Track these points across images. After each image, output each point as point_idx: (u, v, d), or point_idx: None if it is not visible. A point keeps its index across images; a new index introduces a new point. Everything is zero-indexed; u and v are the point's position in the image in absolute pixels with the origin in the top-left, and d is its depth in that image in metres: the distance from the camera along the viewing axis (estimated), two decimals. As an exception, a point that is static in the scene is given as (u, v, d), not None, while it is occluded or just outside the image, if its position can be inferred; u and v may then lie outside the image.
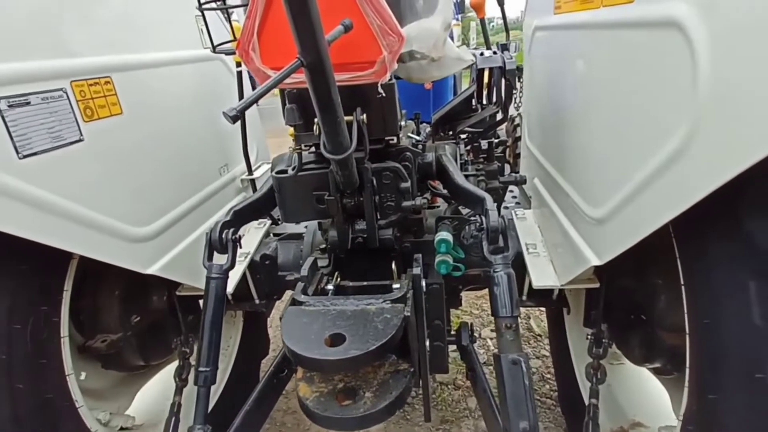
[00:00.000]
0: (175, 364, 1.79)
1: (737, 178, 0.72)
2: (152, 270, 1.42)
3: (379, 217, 1.40)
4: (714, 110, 0.74)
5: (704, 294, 0.97)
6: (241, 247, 1.37)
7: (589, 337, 1.62)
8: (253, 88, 1.92)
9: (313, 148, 1.39)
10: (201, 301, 1.35)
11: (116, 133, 1.33)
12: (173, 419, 1.65)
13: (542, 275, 1.53)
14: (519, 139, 2.40)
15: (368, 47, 1.06)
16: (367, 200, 1.34)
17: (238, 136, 1.89)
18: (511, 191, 2.36)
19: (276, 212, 1.50)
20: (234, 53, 1.52)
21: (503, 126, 3.27)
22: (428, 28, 1.33)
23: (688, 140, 0.80)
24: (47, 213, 1.10)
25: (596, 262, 1.18)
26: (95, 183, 1.25)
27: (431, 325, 1.43)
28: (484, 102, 2.64)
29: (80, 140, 1.21)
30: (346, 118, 1.09)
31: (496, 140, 2.57)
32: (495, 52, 2.51)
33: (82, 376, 1.48)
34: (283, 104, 1.25)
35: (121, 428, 1.63)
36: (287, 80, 0.90)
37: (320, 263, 1.46)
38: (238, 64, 1.82)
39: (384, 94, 1.15)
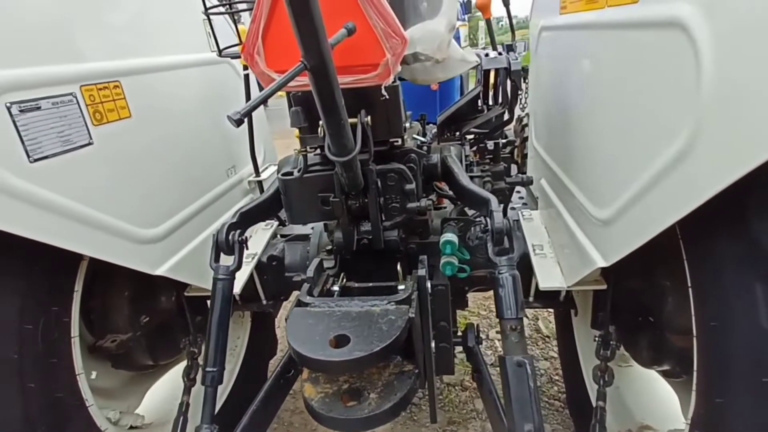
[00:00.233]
0: (184, 364, 1.80)
1: (744, 179, 0.71)
2: (160, 271, 1.44)
3: (384, 218, 1.40)
4: (718, 110, 0.73)
5: (711, 296, 0.96)
6: (247, 249, 1.38)
7: (596, 339, 1.61)
8: (261, 90, 1.94)
9: (318, 150, 1.40)
10: (209, 302, 1.36)
11: (125, 137, 1.35)
12: (181, 419, 1.66)
13: (549, 276, 1.52)
14: (527, 139, 2.39)
15: (371, 50, 1.06)
16: (372, 202, 1.35)
17: (246, 138, 1.91)
18: (518, 192, 2.35)
19: (283, 213, 1.50)
20: (240, 57, 1.53)
21: (511, 126, 3.26)
22: (432, 30, 1.33)
23: (692, 140, 0.79)
24: (58, 215, 1.12)
25: (602, 263, 1.18)
26: (104, 185, 1.27)
27: (437, 326, 1.43)
28: (490, 103, 2.63)
29: (90, 144, 1.23)
30: (351, 120, 1.09)
31: (504, 140, 2.56)
32: (500, 53, 2.51)
33: (93, 375, 1.50)
34: (290, 106, 1.26)
35: (131, 427, 1.65)
36: (291, 83, 0.91)
37: (326, 264, 1.47)
38: (245, 67, 1.84)
39: (388, 97, 1.15)
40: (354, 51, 1.05)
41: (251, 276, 1.74)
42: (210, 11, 1.42)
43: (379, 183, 1.33)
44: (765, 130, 0.67)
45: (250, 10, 1.21)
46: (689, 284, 1.03)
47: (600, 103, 1.20)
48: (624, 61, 1.04)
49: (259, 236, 1.89)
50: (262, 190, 2.07)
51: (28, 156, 1.06)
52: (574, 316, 1.90)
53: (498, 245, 1.17)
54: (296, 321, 1.16)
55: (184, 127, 1.64)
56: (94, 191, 1.23)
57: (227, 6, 1.44)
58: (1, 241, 1.04)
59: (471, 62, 1.59)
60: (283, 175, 1.38)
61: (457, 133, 2.54)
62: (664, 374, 1.56)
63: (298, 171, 1.35)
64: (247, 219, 1.44)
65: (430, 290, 1.26)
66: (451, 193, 1.58)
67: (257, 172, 2.07)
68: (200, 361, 1.77)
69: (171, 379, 1.93)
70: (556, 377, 2.56)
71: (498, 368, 1.13)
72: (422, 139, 1.54)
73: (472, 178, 1.72)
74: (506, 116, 2.45)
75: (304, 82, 0.93)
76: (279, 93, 0.99)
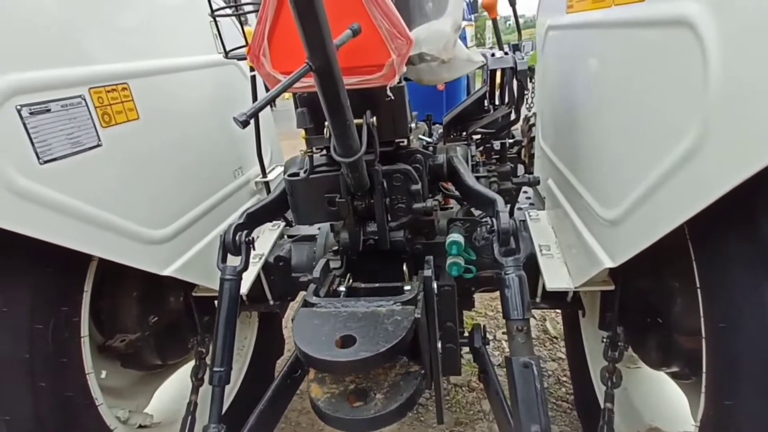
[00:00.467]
0: (192, 363, 1.82)
1: (754, 178, 0.70)
2: (169, 271, 1.45)
3: (390, 219, 1.40)
4: (726, 109, 0.72)
5: (720, 297, 0.95)
6: (254, 249, 1.39)
7: (604, 340, 1.59)
8: (267, 92, 1.94)
9: (324, 151, 1.40)
10: (216, 302, 1.37)
11: (133, 138, 1.36)
12: (189, 418, 1.68)
13: (556, 277, 1.51)
14: (534, 139, 2.38)
15: (377, 51, 1.06)
16: (377, 202, 1.35)
17: (252, 139, 1.92)
18: (525, 192, 2.34)
19: (289, 214, 1.51)
20: (246, 58, 1.54)
21: (518, 126, 3.25)
22: (438, 30, 1.33)
23: (701, 139, 0.78)
24: (67, 216, 1.13)
25: (609, 264, 1.17)
26: (113, 187, 1.29)
27: (443, 327, 1.43)
28: (496, 103, 2.62)
29: (98, 145, 1.24)
30: (356, 120, 1.09)
31: (511, 140, 2.55)
32: (506, 53, 2.50)
33: (102, 374, 1.52)
34: (296, 107, 1.27)
35: (140, 426, 1.66)
36: (297, 84, 0.91)
37: (332, 265, 1.47)
38: (252, 69, 1.85)
39: (393, 97, 1.15)
40: (359, 52, 1.05)
41: (258, 276, 1.74)
42: (216, 13, 1.43)
43: (384, 183, 1.33)
44: (773, 129, 0.66)
45: (256, 11, 1.22)
46: (698, 285, 1.02)
47: (607, 103, 1.19)
48: (631, 60, 1.03)
49: (265, 237, 1.90)
50: (268, 191, 2.08)
51: (38, 158, 1.08)
52: (582, 317, 1.89)
53: (504, 246, 1.17)
54: (303, 321, 1.17)
55: (192, 129, 1.66)
56: (103, 192, 1.24)
57: (233, 8, 1.45)
58: (12, 243, 1.06)
59: (477, 62, 1.58)
60: (289, 176, 1.39)
61: (464, 134, 2.53)
62: (673, 376, 1.55)
63: (305, 172, 1.35)
64: (254, 220, 1.45)
65: (436, 291, 1.26)
66: (457, 193, 1.58)
67: (264, 173, 2.08)
68: (208, 360, 1.79)
69: (179, 379, 1.95)
70: (564, 378, 2.54)
71: (505, 369, 1.12)
72: (428, 139, 1.54)
73: (478, 178, 1.72)
74: (512, 116, 2.44)
75: (309, 83, 0.94)
76: (285, 94, 0.99)
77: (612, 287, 1.46)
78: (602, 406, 1.56)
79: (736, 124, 0.72)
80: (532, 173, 2.19)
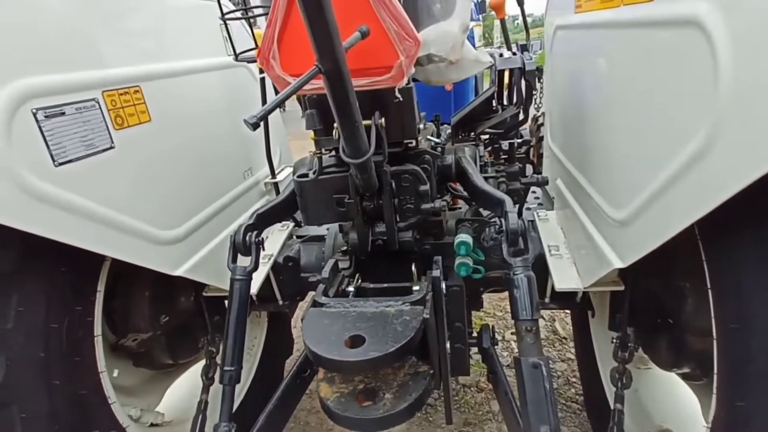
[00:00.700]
0: (203, 363, 1.84)
1: (765, 178, 0.70)
2: (180, 272, 1.46)
3: (398, 219, 1.41)
4: (736, 109, 0.72)
5: (731, 298, 0.94)
6: (264, 249, 1.40)
7: (614, 340, 1.59)
8: (277, 94, 1.96)
9: (333, 152, 1.41)
10: (226, 302, 1.39)
11: (145, 140, 1.38)
12: (200, 417, 1.70)
13: (565, 277, 1.51)
14: (542, 139, 2.37)
15: (385, 52, 1.07)
16: (386, 203, 1.36)
17: (262, 141, 1.93)
18: (534, 192, 2.33)
19: (298, 215, 1.52)
20: (256, 61, 1.56)
21: (527, 126, 3.24)
22: (446, 31, 1.33)
23: (710, 140, 0.78)
24: (81, 217, 1.15)
25: (619, 264, 1.16)
26: (126, 188, 1.31)
27: (452, 327, 1.43)
28: (505, 103, 2.62)
29: (111, 147, 1.26)
30: (365, 122, 1.10)
31: (520, 140, 2.54)
32: (514, 53, 2.50)
33: (115, 373, 1.54)
34: (303, 109, 1.28)
35: (151, 424, 1.68)
36: (306, 87, 0.92)
37: (341, 265, 1.48)
38: (261, 71, 1.86)
39: (401, 98, 1.16)
40: (368, 54, 1.06)
41: (268, 276, 1.76)
42: (227, 16, 1.44)
43: (393, 184, 1.34)
44: (785, 129, 0.66)
45: (266, 14, 1.23)
46: (708, 285, 1.01)
47: (616, 103, 1.19)
48: (640, 60, 1.03)
49: (275, 237, 1.92)
50: (278, 192, 2.10)
51: (53, 160, 1.10)
52: (591, 317, 1.88)
53: (513, 246, 1.17)
54: (312, 321, 1.18)
55: (202, 131, 1.68)
56: (115, 194, 1.26)
57: (243, 11, 1.47)
58: (27, 243, 1.08)
59: (485, 63, 1.58)
60: (298, 177, 1.40)
61: (472, 134, 2.53)
62: (684, 377, 1.53)
63: (314, 173, 1.36)
64: (264, 220, 1.46)
65: (444, 291, 1.26)
66: (465, 193, 1.58)
67: (273, 174, 2.09)
68: (218, 360, 1.80)
69: (190, 378, 1.96)
70: (574, 379, 2.53)
71: (514, 369, 1.12)
72: (436, 140, 1.54)
73: (486, 178, 1.72)
74: (521, 116, 2.44)
75: (318, 85, 0.95)
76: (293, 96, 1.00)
77: (622, 288, 1.45)
78: (612, 407, 1.55)
79: (746, 125, 0.71)
80: (540, 173, 2.18)
